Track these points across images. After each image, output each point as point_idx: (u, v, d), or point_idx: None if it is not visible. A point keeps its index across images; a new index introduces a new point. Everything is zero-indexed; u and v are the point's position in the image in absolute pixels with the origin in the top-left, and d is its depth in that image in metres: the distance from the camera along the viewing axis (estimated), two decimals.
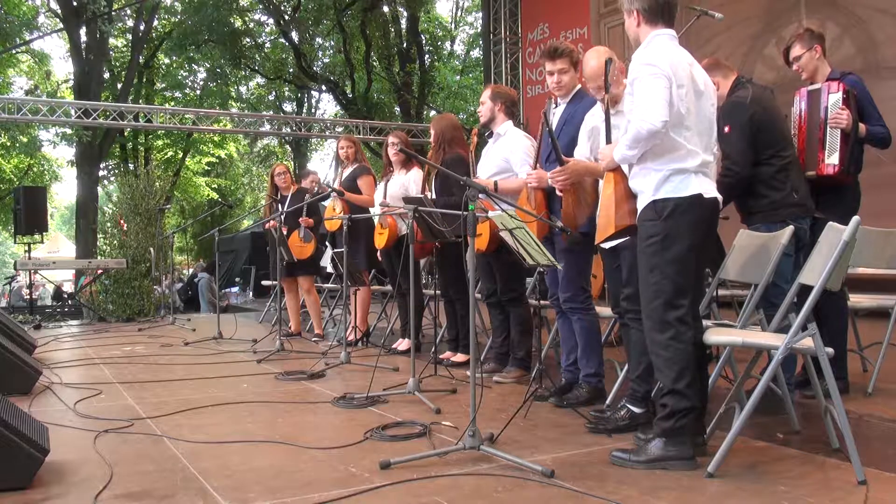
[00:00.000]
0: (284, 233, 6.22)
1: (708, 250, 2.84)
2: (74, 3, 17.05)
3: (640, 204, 2.75)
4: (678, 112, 2.62)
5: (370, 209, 5.85)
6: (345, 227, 4.91)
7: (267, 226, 6.54)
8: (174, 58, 21.71)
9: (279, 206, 6.57)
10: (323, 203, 6.62)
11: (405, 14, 20.52)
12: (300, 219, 6.33)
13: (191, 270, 17.78)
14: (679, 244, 2.63)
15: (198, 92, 22.33)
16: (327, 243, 6.47)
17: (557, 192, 3.52)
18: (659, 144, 2.64)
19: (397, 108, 20.65)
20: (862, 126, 3.62)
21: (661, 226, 2.65)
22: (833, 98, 3.62)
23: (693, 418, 2.62)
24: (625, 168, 2.86)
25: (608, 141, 3.01)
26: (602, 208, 2.95)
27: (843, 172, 3.60)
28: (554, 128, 3.66)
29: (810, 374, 3.01)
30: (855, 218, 2.54)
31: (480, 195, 2.99)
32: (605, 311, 3.81)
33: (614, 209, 2.86)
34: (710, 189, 2.70)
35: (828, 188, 3.67)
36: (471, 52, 23.68)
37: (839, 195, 3.66)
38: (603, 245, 3.24)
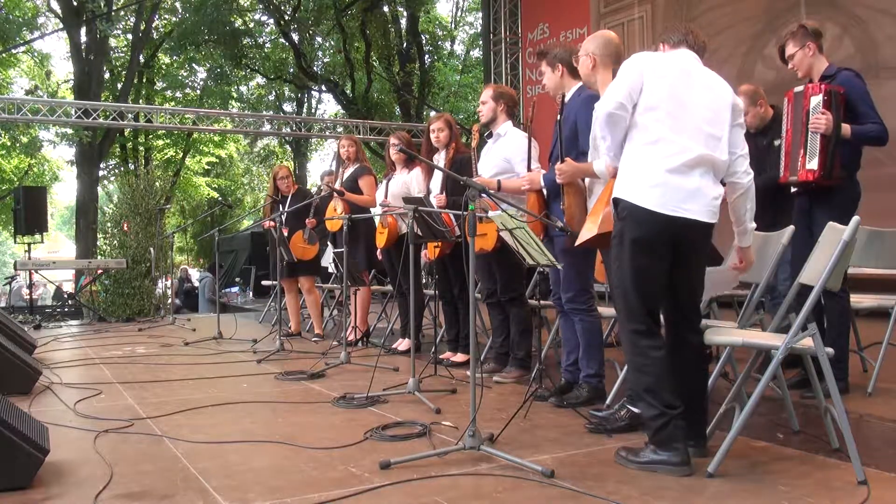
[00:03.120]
0: (286, 233, 6.23)
1: (688, 270, 2.71)
2: (74, 3, 17.06)
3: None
4: (652, 94, 2.61)
5: (371, 209, 5.86)
6: (345, 228, 4.91)
7: (266, 225, 6.55)
8: (174, 57, 21.71)
9: (280, 205, 6.58)
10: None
11: (405, 14, 20.51)
12: (306, 220, 6.33)
13: (192, 271, 17.80)
14: (629, 251, 2.61)
15: (198, 92, 22.33)
16: (329, 243, 6.47)
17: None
18: (631, 131, 2.65)
19: (397, 108, 20.64)
20: (846, 127, 3.52)
21: (619, 223, 2.66)
22: (814, 101, 3.56)
23: (674, 426, 2.54)
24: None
25: None
26: (590, 213, 2.97)
27: (822, 177, 3.52)
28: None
29: (810, 374, 3.01)
30: (855, 218, 2.53)
31: (482, 195, 3.00)
32: (606, 311, 3.81)
33: (600, 217, 2.87)
34: (668, 202, 2.55)
35: (821, 189, 3.64)
36: (471, 52, 23.68)
37: (831, 196, 3.62)
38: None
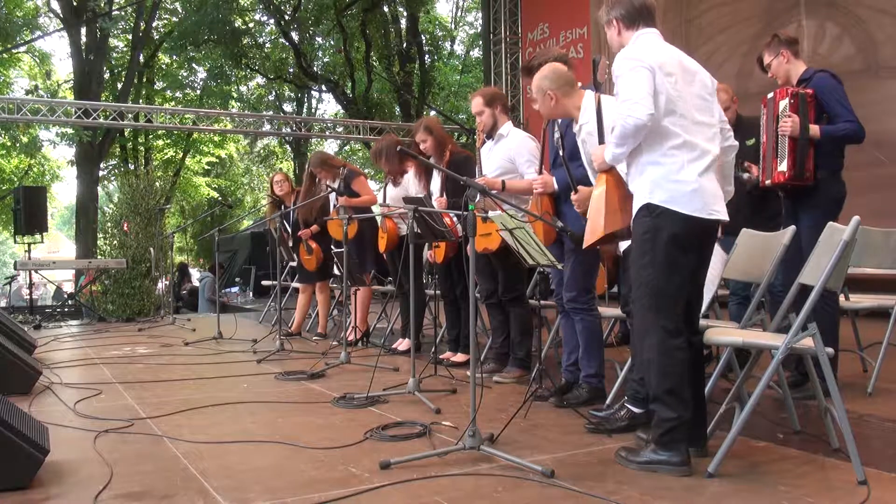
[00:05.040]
0: (291, 245, 6.30)
1: (703, 268, 2.78)
2: (75, 3, 17.06)
3: (636, 204, 2.71)
4: (668, 99, 2.61)
5: (373, 209, 5.89)
6: (345, 227, 4.92)
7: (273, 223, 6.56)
8: (174, 57, 21.71)
9: (281, 206, 6.62)
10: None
11: (405, 14, 20.51)
12: (299, 233, 6.36)
13: (192, 271, 17.79)
14: (667, 250, 2.61)
15: (198, 92, 22.34)
16: (332, 246, 6.48)
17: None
18: (653, 135, 2.61)
19: (397, 108, 20.64)
20: (815, 128, 3.57)
21: (652, 222, 2.63)
22: (782, 105, 3.65)
23: (684, 429, 2.57)
24: (619, 169, 2.85)
25: (601, 141, 2.99)
26: (592, 212, 2.92)
27: (793, 177, 3.59)
28: (556, 137, 3.66)
29: (811, 374, 3.01)
30: (855, 218, 2.54)
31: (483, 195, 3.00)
32: (606, 311, 3.81)
33: (604, 215, 2.84)
34: (705, 205, 2.61)
35: (800, 191, 3.67)
36: (471, 52, 23.68)
37: (812, 196, 3.65)
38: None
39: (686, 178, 2.60)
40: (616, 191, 2.84)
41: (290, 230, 6.49)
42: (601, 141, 3.01)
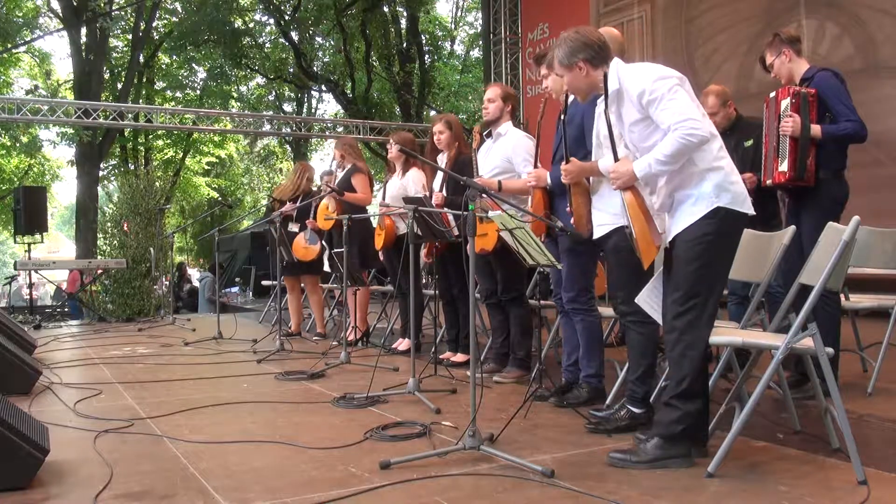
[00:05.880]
0: (296, 230, 6.27)
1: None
2: (74, 3, 17.06)
3: (697, 210, 2.64)
4: (697, 105, 2.68)
5: (367, 208, 5.88)
6: (345, 227, 4.92)
7: (285, 210, 6.51)
8: (174, 57, 21.72)
9: (281, 205, 6.63)
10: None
11: (405, 14, 20.50)
12: (307, 220, 6.36)
13: (192, 271, 17.77)
14: (729, 254, 2.70)
15: (198, 92, 22.33)
16: (323, 243, 6.49)
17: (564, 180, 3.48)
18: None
19: (397, 108, 20.63)
20: (816, 128, 3.54)
21: (717, 224, 2.62)
22: (783, 104, 3.63)
23: (701, 422, 2.66)
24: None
25: (615, 158, 2.88)
26: (638, 232, 2.82)
27: (793, 178, 3.57)
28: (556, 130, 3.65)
29: (811, 374, 3.01)
30: (855, 218, 2.54)
31: (483, 195, 2.99)
32: (606, 310, 3.81)
33: (649, 231, 2.79)
34: (748, 202, 2.70)
35: (802, 191, 3.66)
36: (471, 52, 23.67)
37: (813, 196, 3.64)
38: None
39: (738, 178, 2.68)
40: (644, 204, 2.81)
41: (294, 213, 6.45)
42: (616, 156, 2.91)
